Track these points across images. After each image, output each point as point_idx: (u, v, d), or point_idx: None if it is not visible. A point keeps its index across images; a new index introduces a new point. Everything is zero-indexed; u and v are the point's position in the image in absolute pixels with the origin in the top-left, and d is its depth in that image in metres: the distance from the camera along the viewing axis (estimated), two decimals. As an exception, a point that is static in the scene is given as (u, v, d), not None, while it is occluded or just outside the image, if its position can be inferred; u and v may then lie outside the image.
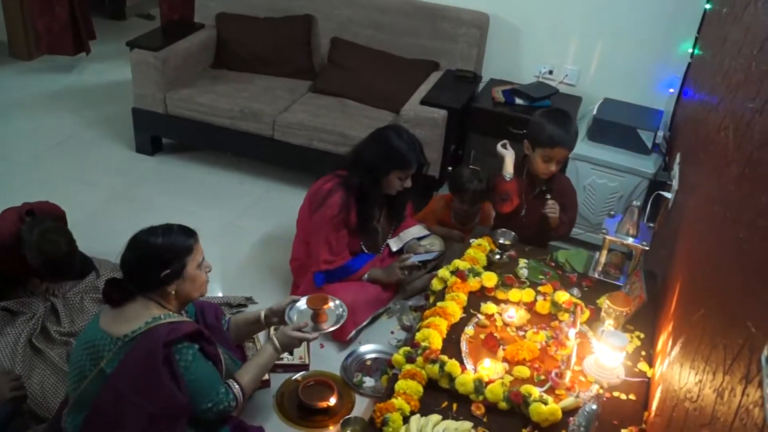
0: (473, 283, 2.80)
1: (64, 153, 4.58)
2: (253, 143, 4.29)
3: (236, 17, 4.68)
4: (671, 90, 4.16)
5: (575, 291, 2.82)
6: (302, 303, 2.69)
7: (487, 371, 2.36)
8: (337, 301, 2.73)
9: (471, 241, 3.12)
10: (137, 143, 4.63)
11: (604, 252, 2.96)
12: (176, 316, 2.29)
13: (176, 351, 2.21)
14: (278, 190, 4.38)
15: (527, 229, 3.20)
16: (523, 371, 2.39)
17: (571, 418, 2.15)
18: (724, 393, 1.37)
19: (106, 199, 4.15)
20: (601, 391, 2.33)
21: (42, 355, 2.88)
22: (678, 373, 1.93)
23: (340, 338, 3.17)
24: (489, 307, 2.71)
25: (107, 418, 2.17)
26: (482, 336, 2.57)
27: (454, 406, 2.27)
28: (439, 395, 2.30)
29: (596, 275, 2.98)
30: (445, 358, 2.35)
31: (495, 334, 2.58)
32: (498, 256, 3.00)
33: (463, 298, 2.72)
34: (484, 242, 3.07)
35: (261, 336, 3.10)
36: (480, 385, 2.27)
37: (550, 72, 4.42)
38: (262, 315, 2.74)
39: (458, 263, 2.89)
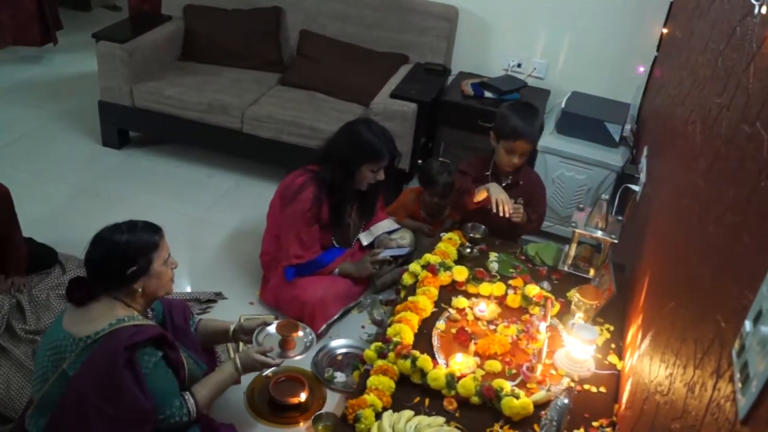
0: (444, 277, 2.80)
1: (28, 146, 4.50)
2: (221, 136, 4.26)
3: (204, 9, 4.62)
4: (638, 84, 4.20)
5: (545, 284, 2.84)
6: (272, 327, 2.64)
7: (458, 366, 2.36)
8: (307, 330, 2.68)
9: (441, 234, 3.12)
10: (104, 136, 4.55)
11: (574, 245, 2.98)
12: (141, 318, 2.24)
13: (139, 356, 2.15)
14: (248, 184, 4.34)
15: (496, 223, 3.19)
16: (495, 365, 2.40)
17: (542, 412, 2.16)
18: (695, 387, 1.38)
19: (71, 194, 4.08)
20: (572, 384, 2.35)
21: (7, 354, 2.83)
22: (648, 366, 1.95)
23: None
24: (460, 302, 2.71)
25: (70, 421, 2.11)
26: (453, 330, 2.57)
27: (427, 401, 2.27)
28: (411, 390, 2.30)
29: (566, 268, 2.99)
30: (416, 353, 2.35)
31: (466, 329, 2.58)
32: (468, 250, 3.01)
33: (434, 292, 2.72)
34: (455, 236, 3.08)
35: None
36: (452, 380, 2.27)
37: (519, 65, 4.44)
38: (231, 329, 2.68)
39: (429, 257, 2.89)
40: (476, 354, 2.46)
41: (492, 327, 2.62)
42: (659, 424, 1.62)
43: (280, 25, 4.61)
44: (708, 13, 2.50)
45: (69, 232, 3.52)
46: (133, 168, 4.41)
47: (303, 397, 2.82)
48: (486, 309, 2.67)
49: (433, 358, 2.39)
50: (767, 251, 1.15)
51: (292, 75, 4.50)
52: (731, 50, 1.91)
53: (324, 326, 3.19)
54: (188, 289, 3.43)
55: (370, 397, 2.20)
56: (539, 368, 2.36)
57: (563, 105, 4.01)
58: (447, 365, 2.39)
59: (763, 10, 1.57)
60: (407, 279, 2.87)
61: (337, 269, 3.31)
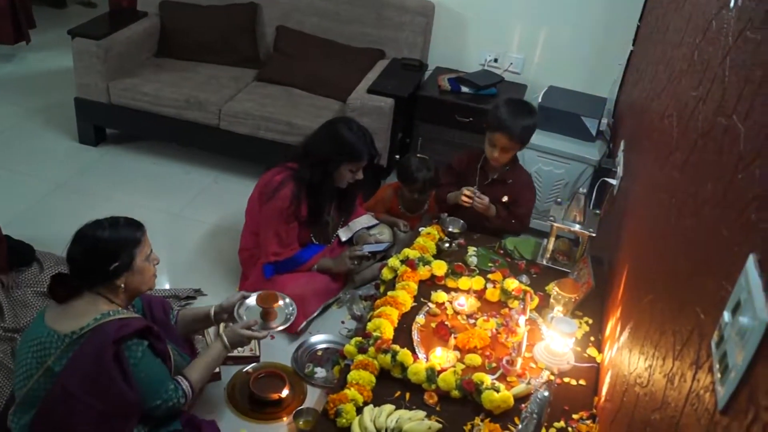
0: (423, 272, 2.81)
1: (4, 144, 4.43)
2: (198, 133, 4.23)
3: (180, 5, 4.59)
4: (614, 78, 4.22)
5: (524, 278, 2.85)
6: (252, 300, 2.66)
7: (438, 360, 2.37)
8: (287, 299, 2.70)
9: (420, 229, 3.13)
10: (80, 133, 4.51)
11: (552, 239, 2.99)
12: (125, 312, 2.25)
13: (126, 348, 2.17)
14: (225, 180, 4.32)
15: (472, 220, 3.20)
16: (475, 359, 2.41)
17: (523, 405, 2.17)
18: (674, 378, 1.39)
19: (48, 191, 4.03)
20: (552, 377, 2.36)
21: (-15, 353, 2.80)
22: (627, 359, 1.96)
23: (290, 330, 3.14)
24: (439, 296, 2.72)
25: (56, 418, 2.12)
26: (433, 325, 2.58)
27: (407, 395, 2.27)
28: (392, 385, 2.31)
29: (544, 262, 3.01)
30: (397, 347, 2.35)
31: (446, 323, 2.59)
32: (447, 245, 3.02)
33: (414, 287, 2.72)
34: (434, 231, 3.08)
35: (211, 330, 3.05)
36: (432, 374, 2.28)
37: (495, 60, 4.45)
38: (212, 312, 2.70)
39: (408, 252, 2.89)
40: (456, 348, 2.47)
41: (471, 321, 2.63)
42: (639, 416, 1.64)
43: (256, 20, 4.59)
44: (684, 7, 2.52)
45: (46, 230, 3.51)
46: (110, 165, 4.36)
47: (284, 393, 2.82)
48: (465, 303, 2.68)
49: (414, 352, 2.40)
50: (745, 243, 1.16)
51: (268, 71, 4.47)
52: (707, 44, 1.92)
53: (304, 323, 3.19)
54: (167, 286, 3.41)
55: (350, 392, 2.20)
56: (519, 362, 2.38)
57: (540, 99, 4.03)
58: (427, 359, 2.39)
59: (740, 2, 1.59)
60: (387, 274, 2.87)
61: (316, 266, 3.31)
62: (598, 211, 3.01)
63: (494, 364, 2.41)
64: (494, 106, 3.13)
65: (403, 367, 2.30)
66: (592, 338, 2.58)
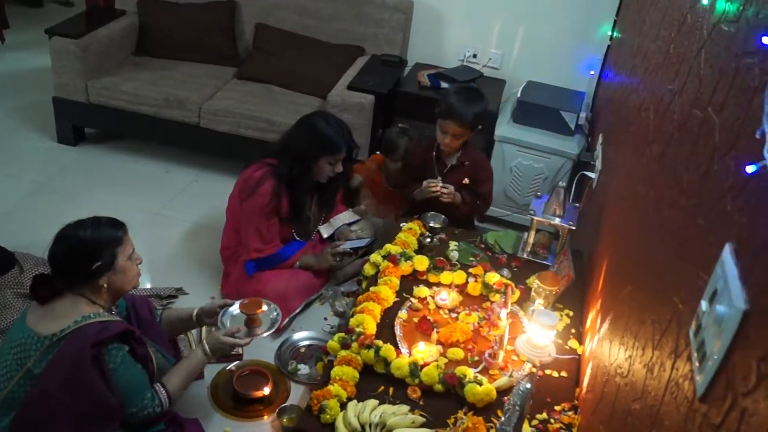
0: (405, 267, 2.82)
1: (-20, 145, 4.40)
2: (178, 131, 4.21)
3: (158, 3, 4.56)
4: (592, 72, 4.26)
5: (505, 272, 2.87)
6: (235, 308, 2.62)
7: (421, 354, 2.38)
8: (272, 305, 2.68)
9: (401, 225, 3.14)
10: (59, 133, 4.47)
11: (532, 233, 3.01)
12: (106, 314, 2.23)
13: (106, 352, 2.15)
14: (206, 179, 4.30)
15: (448, 209, 3.23)
16: (457, 353, 2.42)
17: (505, 398, 2.18)
18: (654, 368, 1.41)
19: (27, 192, 4.00)
20: (534, 369, 2.38)
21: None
22: (608, 350, 1.98)
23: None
24: (421, 291, 2.73)
25: (35, 420, 2.10)
26: (416, 319, 2.59)
27: (391, 390, 2.28)
28: (375, 380, 2.31)
29: (525, 255, 3.03)
30: (379, 342, 2.36)
31: (428, 317, 2.60)
32: (428, 240, 3.03)
33: (396, 282, 2.73)
34: (415, 226, 3.09)
35: (195, 332, 3.04)
36: (415, 369, 2.29)
37: (474, 56, 4.47)
38: (194, 314, 2.68)
39: (390, 247, 2.90)
40: (439, 342, 2.48)
41: (454, 315, 2.64)
42: (620, 406, 1.65)
43: (235, 18, 4.58)
44: (660, 1, 2.55)
45: (25, 231, 3.47)
46: (90, 165, 4.33)
47: (267, 390, 2.82)
48: (447, 297, 2.69)
49: (396, 347, 2.41)
50: (721, 233, 1.18)
51: (248, 68, 4.46)
52: (682, 37, 1.95)
53: (287, 319, 3.19)
54: (148, 285, 3.39)
55: (334, 388, 2.20)
56: (501, 355, 2.39)
57: (519, 94, 4.05)
58: (410, 354, 2.40)
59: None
60: (368, 270, 2.88)
61: (298, 262, 3.31)
62: (577, 205, 3.04)
63: (477, 358, 2.43)
64: (443, 95, 3.21)
65: (387, 362, 2.31)
66: (573, 330, 2.60)
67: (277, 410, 2.74)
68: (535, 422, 2.18)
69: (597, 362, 2.14)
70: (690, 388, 1.15)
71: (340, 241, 3.42)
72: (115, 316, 2.30)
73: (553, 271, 2.76)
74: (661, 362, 1.37)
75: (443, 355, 2.43)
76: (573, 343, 2.53)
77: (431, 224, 3.08)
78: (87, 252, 2.19)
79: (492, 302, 2.71)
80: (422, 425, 2.14)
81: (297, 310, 3.26)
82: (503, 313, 2.53)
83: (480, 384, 2.22)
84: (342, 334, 2.44)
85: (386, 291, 2.65)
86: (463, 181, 3.29)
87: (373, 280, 2.79)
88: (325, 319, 3.31)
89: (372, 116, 4.01)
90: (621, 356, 1.77)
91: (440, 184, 3.19)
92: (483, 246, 3.09)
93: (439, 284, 2.79)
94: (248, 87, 4.32)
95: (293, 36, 4.49)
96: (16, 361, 2.13)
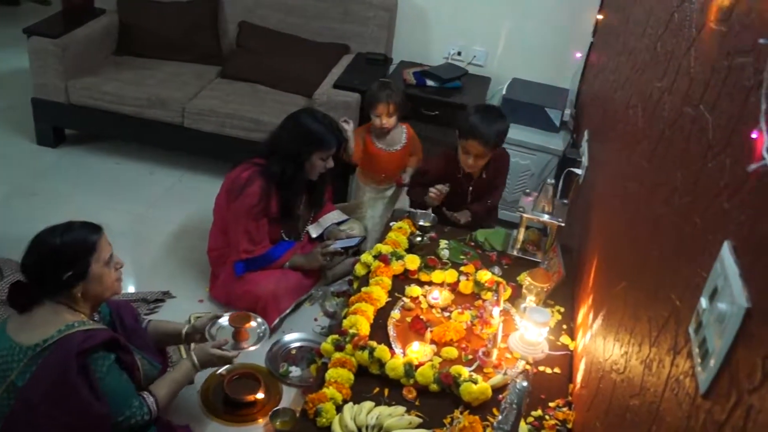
0: (396, 267, 2.81)
1: (-43, 148, 4.34)
2: (162, 132, 4.18)
3: (138, 1, 4.53)
4: (575, 69, 4.27)
5: (496, 269, 2.87)
6: (224, 320, 2.64)
7: (416, 354, 2.38)
8: (260, 320, 2.70)
9: (391, 224, 3.13)
10: (38, 135, 4.42)
11: (522, 230, 3.02)
12: (90, 322, 2.18)
13: (92, 361, 2.10)
14: (191, 179, 4.28)
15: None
16: (451, 352, 2.42)
17: (501, 396, 2.20)
18: (652, 364, 1.42)
19: (5, 195, 3.95)
20: (527, 366, 2.39)
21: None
22: (602, 346, 1.99)
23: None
24: (413, 290, 2.72)
25: None
26: (408, 319, 2.59)
27: (386, 391, 2.27)
28: (370, 381, 2.30)
29: (515, 253, 3.04)
30: (373, 343, 2.35)
31: (421, 317, 2.60)
32: (419, 239, 3.03)
33: (387, 282, 2.73)
34: (405, 225, 3.09)
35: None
36: (410, 369, 2.28)
37: (459, 53, 4.47)
38: (183, 332, 2.64)
39: (380, 247, 2.90)
40: (432, 341, 2.48)
41: (446, 314, 2.64)
42: (617, 402, 1.66)
43: (218, 16, 4.55)
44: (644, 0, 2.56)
45: (4, 235, 3.42)
46: (71, 167, 4.29)
47: (259, 394, 2.81)
48: (439, 296, 2.69)
49: (390, 347, 2.40)
50: (718, 230, 1.19)
51: (232, 67, 4.44)
52: (670, 35, 1.96)
53: (277, 320, 3.18)
54: (133, 290, 3.36)
55: (329, 391, 2.19)
56: (495, 353, 2.40)
57: (504, 92, 4.06)
58: (404, 354, 2.40)
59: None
60: (360, 270, 2.87)
61: (287, 263, 3.30)
62: (566, 201, 3.05)
63: (471, 356, 2.43)
64: (465, 115, 3.15)
65: (381, 363, 2.31)
66: (564, 326, 2.61)
67: (269, 414, 2.73)
68: (530, 419, 2.19)
69: (590, 358, 2.15)
70: (692, 385, 1.16)
71: (329, 240, 3.41)
72: (99, 324, 2.25)
73: (544, 268, 2.77)
74: (659, 359, 1.38)
75: (437, 354, 2.42)
76: (565, 339, 2.54)
77: (421, 223, 3.08)
78: (57, 261, 2.11)
79: (484, 300, 2.72)
80: (419, 426, 2.13)
81: (287, 310, 3.26)
82: (496, 310, 2.53)
83: (475, 383, 2.22)
84: (336, 336, 2.43)
85: (378, 291, 2.64)
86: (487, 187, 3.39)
87: (365, 281, 2.78)
88: (316, 319, 3.31)
89: (358, 114, 4.00)
90: (616, 352, 1.78)
91: (435, 188, 3.21)
92: (473, 244, 3.09)
93: (430, 283, 2.79)
94: (233, 86, 4.30)
95: (277, 34, 4.48)
96: None
